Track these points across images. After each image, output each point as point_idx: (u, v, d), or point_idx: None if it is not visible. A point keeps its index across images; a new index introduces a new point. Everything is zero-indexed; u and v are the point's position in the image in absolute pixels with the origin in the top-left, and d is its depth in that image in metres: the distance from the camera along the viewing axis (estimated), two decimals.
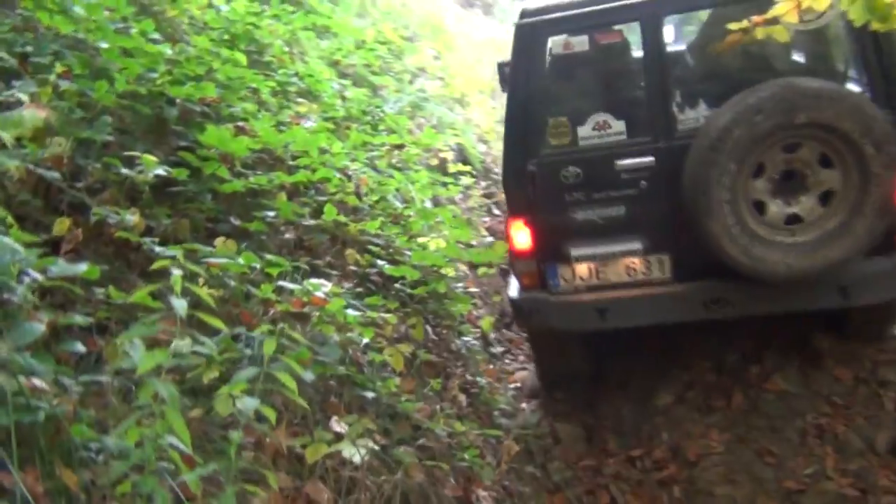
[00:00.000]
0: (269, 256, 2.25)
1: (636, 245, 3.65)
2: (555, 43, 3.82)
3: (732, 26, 2.73)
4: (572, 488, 3.38)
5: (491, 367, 3.82)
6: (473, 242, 3.76)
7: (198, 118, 2.92)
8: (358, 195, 3.20)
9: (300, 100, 4.43)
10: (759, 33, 2.77)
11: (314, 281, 2.18)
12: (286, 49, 4.72)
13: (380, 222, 2.94)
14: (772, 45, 3.25)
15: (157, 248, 2.04)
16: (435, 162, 5.50)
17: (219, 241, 2.57)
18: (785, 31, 2.77)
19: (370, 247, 3.04)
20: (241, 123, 3.17)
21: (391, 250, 3.28)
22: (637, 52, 3.83)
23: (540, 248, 3.67)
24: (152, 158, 2.42)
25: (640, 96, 3.78)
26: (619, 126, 3.71)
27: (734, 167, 3.20)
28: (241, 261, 2.09)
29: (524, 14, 3.81)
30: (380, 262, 2.97)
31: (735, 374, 3.96)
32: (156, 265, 1.77)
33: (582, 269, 3.69)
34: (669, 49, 3.82)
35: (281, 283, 2.20)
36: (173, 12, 3.59)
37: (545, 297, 3.68)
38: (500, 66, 4.31)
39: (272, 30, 4.49)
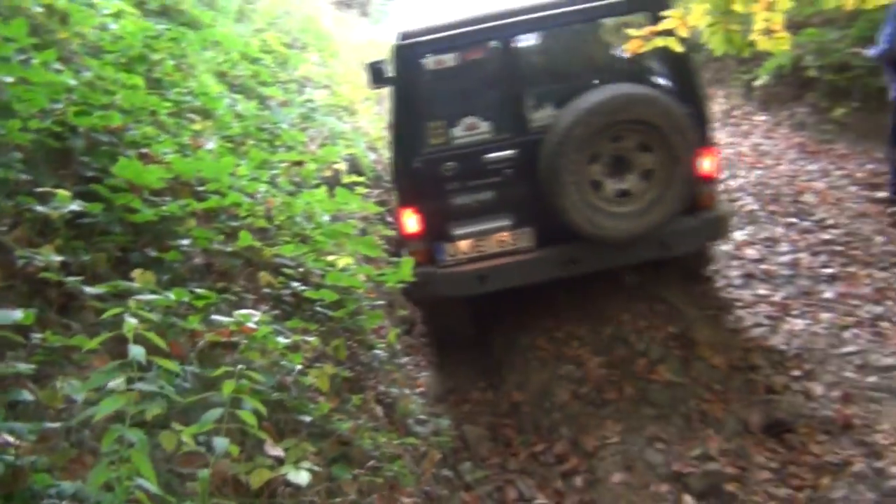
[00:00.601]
0: (198, 290, 2.30)
1: (505, 222, 4.49)
2: (429, 60, 4.58)
3: (633, 33, 3.43)
4: (483, 486, 3.58)
5: (399, 375, 3.96)
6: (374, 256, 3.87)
7: (103, 147, 2.91)
8: (268, 217, 3.26)
9: (193, 116, 4.41)
10: (658, 42, 3.33)
11: (245, 312, 2.25)
12: (177, 65, 4.67)
13: (294, 245, 3.01)
14: (600, 58, 4.80)
15: (87, 289, 2.06)
16: (329, 174, 5.57)
17: (136, 273, 2.58)
18: (678, 42, 3.31)
19: (283, 269, 3.11)
20: (144, 150, 3.16)
21: (301, 269, 3.36)
22: (496, 65, 4.62)
23: (427, 230, 4.45)
24: (66, 194, 2.42)
25: (500, 101, 4.58)
26: (485, 126, 4.56)
27: (576, 156, 4.13)
28: (171, 296, 2.14)
29: (404, 37, 4.54)
30: (294, 284, 3.05)
31: (624, 367, 4.29)
32: (107, 314, 1.81)
33: (463, 244, 4.50)
34: (521, 62, 4.66)
35: (214, 316, 2.26)
36: (64, 34, 3.51)
37: (434, 271, 4.42)
38: (370, 66, 4.77)
39: (163, 47, 4.45)
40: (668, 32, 3.62)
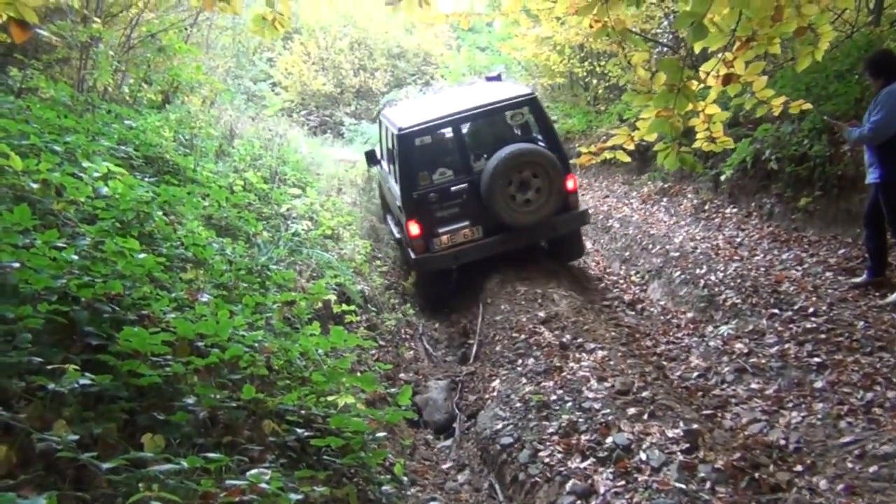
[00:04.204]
0: (210, 455, 2.35)
1: (466, 223, 7.99)
2: (417, 139, 8.19)
3: (583, 150, 4.26)
4: None
5: None
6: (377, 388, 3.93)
7: (106, 314, 3.01)
8: (268, 367, 3.34)
9: (186, 265, 4.54)
10: (608, 154, 3.81)
11: (255, 472, 2.30)
12: (166, 218, 4.84)
13: (297, 394, 3.08)
14: (505, 131, 8.76)
15: (102, 465, 2.11)
16: (320, 306, 5.68)
17: (146, 438, 2.65)
18: (624, 154, 3.79)
19: (287, 416, 3.17)
20: (144, 311, 3.27)
21: (303, 412, 3.42)
22: (452, 139, 8.35)
23: (423, 232, 7.91)
24: (76, 369, 2.50)
25: (456, 158, 8.28)
26: (450, 172, 8.20)
27: (501, 182, 7.67)
28: (184, 464, 2.20)
29: (402, 127, 8.03)
30: (298, 430, 3.10)
31: None
32: (133, 500, 1.87)
33: (444, 238, 7.96)
34: (465, 136, 8.46)
35: (229, 481, 2.31)
36: (59, 206, 3.67)
37: (429, 255, 7.93)
38: (366, 153, 10.57)
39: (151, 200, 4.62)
40: (619, 147, 4.00)
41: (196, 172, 6.80)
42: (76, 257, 2.96)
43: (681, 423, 4.66)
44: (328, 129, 23.51)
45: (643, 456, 4.40)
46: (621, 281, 8.33)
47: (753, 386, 5.15)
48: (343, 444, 2.99)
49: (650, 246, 8.72)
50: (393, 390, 4.33)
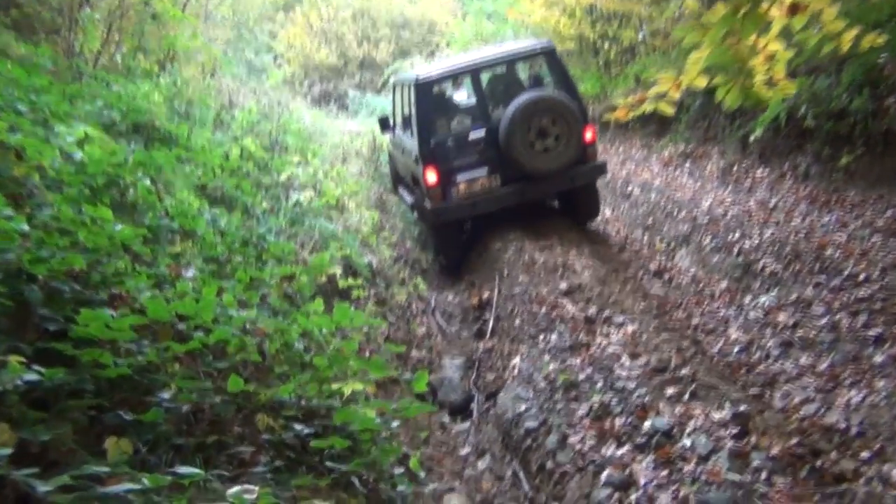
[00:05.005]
0: (181, 470, 1.89)
1: (484, 172, 7.85)
2: (435, 87, 8.31)
3: (620, 102, 3.58)
4: None
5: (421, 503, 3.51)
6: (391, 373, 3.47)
7: (67, 294, 2.54)
8: (261, 352, 2.87)
9: (174, 236, 4.08)
10: (649, 106, 3.27)
11: (237, 490, 1.84)
12: (151, 186, 4.36)
13: (295, 383, 2.61)
14: (523, 78, 9.06)
15: (40, 487, 1.65)
16: (324, 280, 5.21)
17: (109, 441, 2.18)
18: (667, 105, 3.25)
19: (284, 409, 2.70)
20: (115, 290, 2.80)
21: (303, 402, 2.95)
22: (470, 87, 8.52)
23: (441, 180, 7.74)
24: (18, 363, 2.04)
25: (475, 106, 8.39)
26: (467, 119, 8.32)
27: (520, 128, 7.52)
28: (146, 482, 1.73)
29: (419, 76, 8.07)
30: (297, 427, 2.63)
31: None
32: None
33: (462, 187, 7.83)
34: (483, 84, 8.37)
35: None
36: (20, 171, 3.18)
37: (446, 204, 7.82)
38: (379, 119, 10.21)
39: (138, 169, 4.14)
40: (662, 96, 3.47)
41: (190, 141, 6.31)
42: (27, 227, 2.48)
43: (727, 404, 4.18)
44: (332, 101, 22.94)
45: (687, 442, 3.93)
46: (645, 249, 7.81)
47: (803, 361, 4.67)
48: (349, 445, 2.52)
49: (675, 212, 8.19)
50: (407, 376, 3.87)
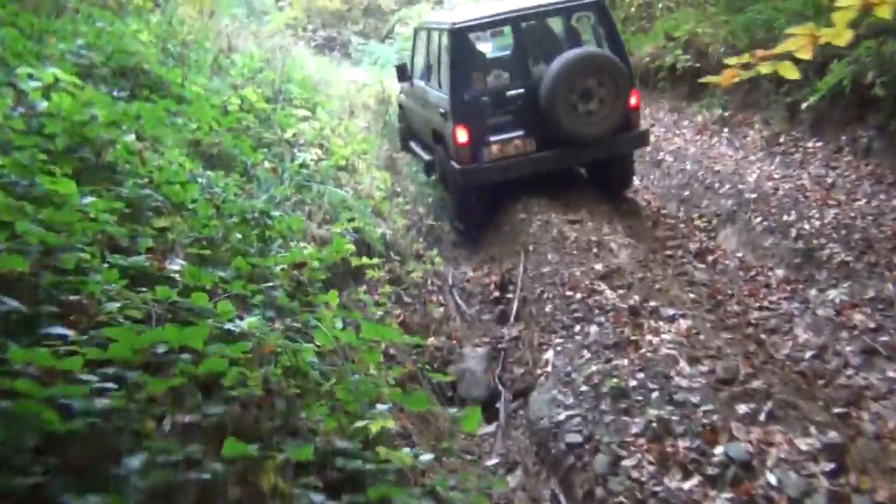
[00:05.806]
0: None
1: (519, 133, 7.14)
2: (471, 36, 7.66)
3: (730, 61, 2.74)
4: None
5: None
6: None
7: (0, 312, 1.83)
8: (266, 387, 2.16)
9: (160, 207, 3.35)
10: (765, 68, 2.67)
11: None
12: (136, 144, 3.60)
13: (312, 445, 1.92)
14: (569, 33, 7.71)
15: None
16: (336, 259, 4.49)
17: None
18: (791, 67, 2.65)
19: (300, 474, 2.01)
20: (74, 296, 2.09)
21: (321, 438, 2.27)
22: (509, 39, 7.95)
23: (472, 140, 7.04)
24: None
25: (513, 60, 7.75)
26: (505, 75, 7.69)
27: (563, 90, 6.86)
28: None
29: (456, 23, 7.27)
30: (314, 497, 1.95)
31: None
32: None
33: (494, 148, 7.11)
34: (523, 37, 7.59)
35: None
36: None
37: (476, 166, 7.12)
38: (397, 67, 9.40)
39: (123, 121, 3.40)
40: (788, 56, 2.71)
41: (184, 88, 5.52)
42: None
43: (812, 430, 3.52)
44: (335, 48, 21.96)
45: (772, 478, 3.27)
46: (682, 225, 7.10)
47: (892, 374, 4.00)
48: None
49: (716, 184, 7.45)
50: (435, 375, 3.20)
